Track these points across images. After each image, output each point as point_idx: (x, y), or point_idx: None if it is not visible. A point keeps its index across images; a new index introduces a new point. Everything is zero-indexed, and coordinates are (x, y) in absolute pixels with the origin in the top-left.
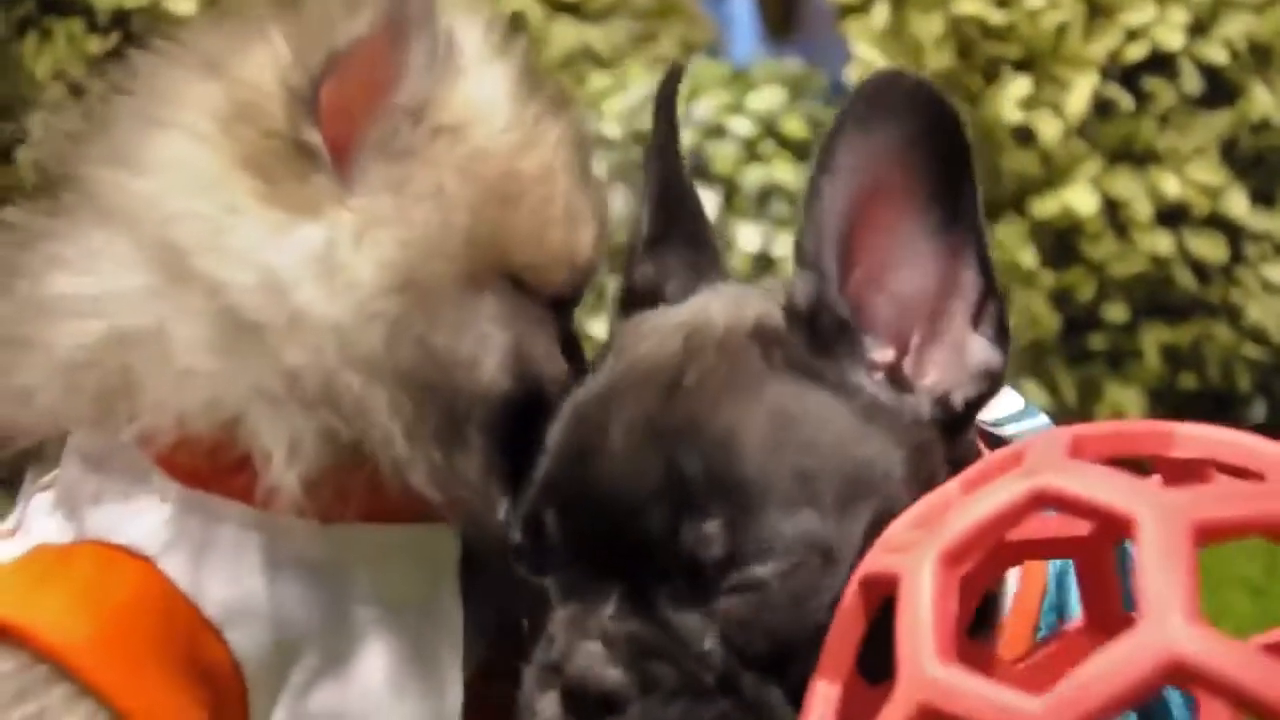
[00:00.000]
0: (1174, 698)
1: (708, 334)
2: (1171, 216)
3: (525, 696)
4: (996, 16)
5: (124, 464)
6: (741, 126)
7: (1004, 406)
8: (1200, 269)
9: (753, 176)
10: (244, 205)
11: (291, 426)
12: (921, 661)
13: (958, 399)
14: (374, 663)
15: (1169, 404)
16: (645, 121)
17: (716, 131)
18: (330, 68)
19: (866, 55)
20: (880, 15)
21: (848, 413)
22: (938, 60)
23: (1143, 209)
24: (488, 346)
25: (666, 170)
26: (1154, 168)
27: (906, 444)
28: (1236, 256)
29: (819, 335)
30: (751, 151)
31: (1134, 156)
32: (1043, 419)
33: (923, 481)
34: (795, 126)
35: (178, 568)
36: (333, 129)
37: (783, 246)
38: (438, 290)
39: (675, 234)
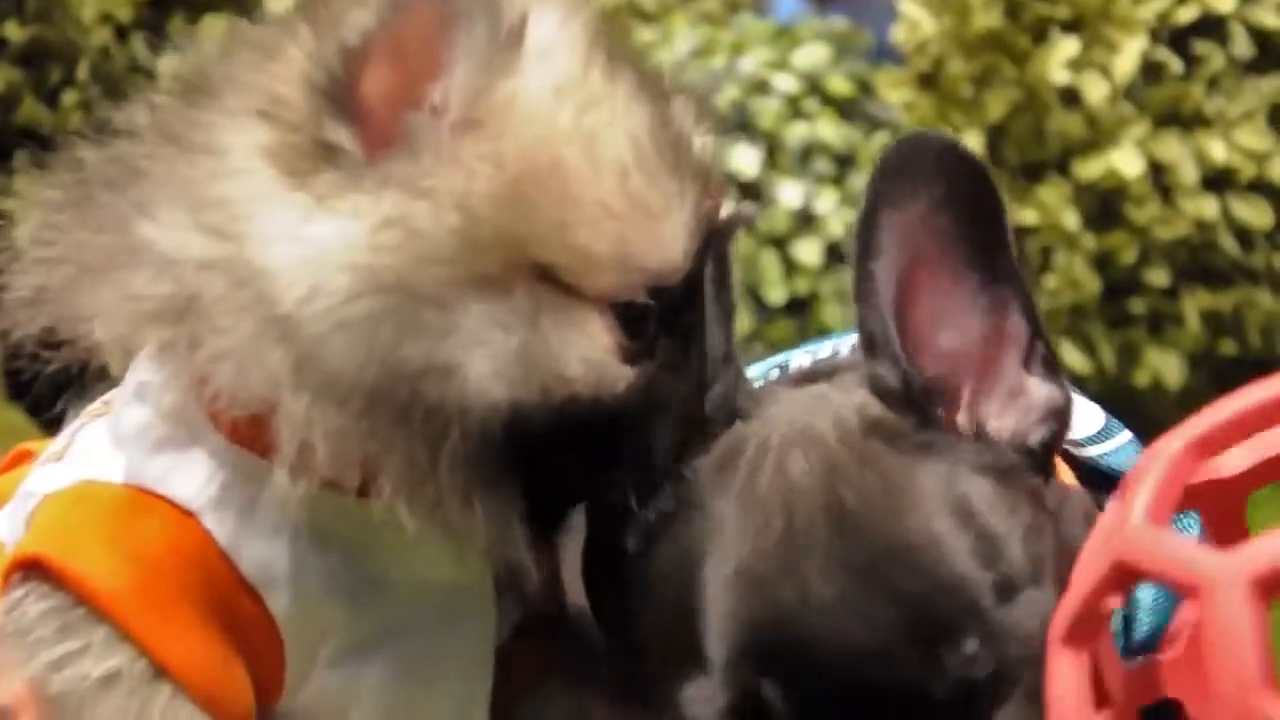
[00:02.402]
0: (1144, 595)
1: (826, 446)
2: (1217, 181)
3: None
4: None
5: (179, 411)
6: (785, 83)
7: (1084, 427)
8: (1244, 235)
9: (796, 133)
10: (274, 194)
11: (306, 425)
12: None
13: (1034, 442)
14: (400, 645)
15: (1209, 370)
16: (690, 76)
17: (760, 87)
18: (349, 63)
19: (912, 14)
20: None
21: (990, 479)
22: (985, 20)
23: (1188, 173)
24: (476, 352)
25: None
26: (1201, 132)
27: (1031, 495)
28: None
29: (920, 412)
30: (795, 108)
31: (1181, 120)
32: (1125, 436)
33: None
34: (839, 84)
35: (219, 525)
36: (375, 120)
37: (824, 203)
38: (423, 295)
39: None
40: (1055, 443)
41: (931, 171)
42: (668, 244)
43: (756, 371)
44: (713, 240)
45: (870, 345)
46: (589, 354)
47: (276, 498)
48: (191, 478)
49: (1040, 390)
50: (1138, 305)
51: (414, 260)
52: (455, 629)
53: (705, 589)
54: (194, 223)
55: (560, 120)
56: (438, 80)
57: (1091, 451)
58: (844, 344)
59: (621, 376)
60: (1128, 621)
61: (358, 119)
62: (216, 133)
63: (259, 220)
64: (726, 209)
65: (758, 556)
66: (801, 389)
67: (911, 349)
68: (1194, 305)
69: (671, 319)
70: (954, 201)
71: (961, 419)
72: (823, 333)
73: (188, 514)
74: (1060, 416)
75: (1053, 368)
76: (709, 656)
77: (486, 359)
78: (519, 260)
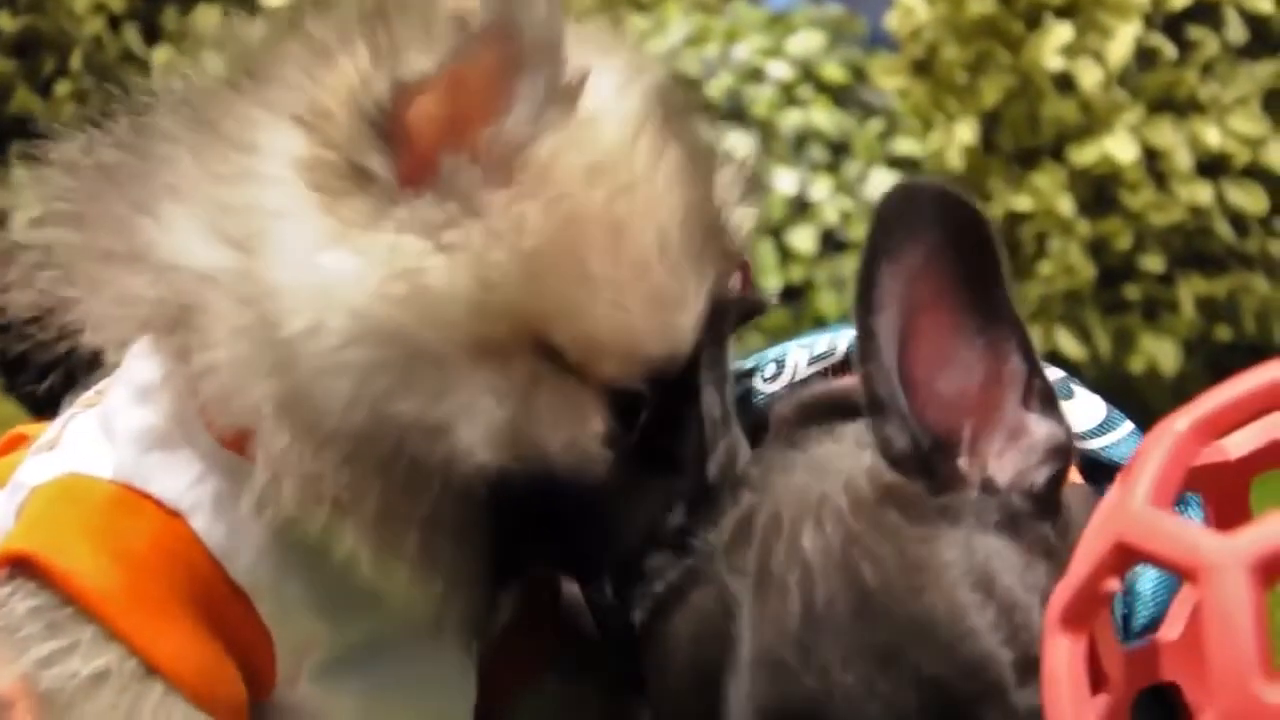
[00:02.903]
0: (1144, 588)
1: (840, 519)
2: (1211, 167)
3: None
4: None
5: (170, 410)
6: (780, 70)
7: (1086, 419)
8: (1238, 220)
9: (790, 120)
10: (299, 211)
11: (280, 462)
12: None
13: (1038, 482)
14: (383, 659)
15: (1204, 356)
16: (684, 64)
17: (754, 75)
18: (400, 96)
19: (907, 0)
20: None
21: (1004, 538)
22: (979, 6)
23: (1182, 159)
24: (468, 416)
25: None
26: (1195, 117)
27: (1043, 547)
28: (1276, 208)
29: (929, 472)
30: (789, 95)
31: (1175, 106)
32: (1128, 427)
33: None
34: (834, 71)
35: (206, 527)
36: (415, 155)
37: (819, 191)
38: (423, 352)
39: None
40: (1059, 481)
41: (927, 219)
42: (677, 335)
43: (751, 364)
44: (715, 316)
45: (877, 407)
46: (576, 437)
47: (257, 512)
48: (180, 478)
49: (1041, 428)
50: (1133, 291)
51: (419, 317)
52: (438, 643)
53: (724, 673)
54: (208, 226)
55: (593, 201)
56: (486, 126)
57: (1093, 444)
58: (840, 339)
59: (604, 460)
60: (1127, 617)
61: (398, 150)
62: (252, 128)
63: (278, 235)
64: (736, 285)
65: (777, 641)
66: (803, 448)
67: (916, 404)
68: (1189, 291)
69: (663, 394)
70: (951, 246)
71: (965, 465)
72: (818, 320)
73: (174, 514)
74: (1063, 454)
75: (1052, 403)
76: None
77: (478, 425)
78: (524, 333)
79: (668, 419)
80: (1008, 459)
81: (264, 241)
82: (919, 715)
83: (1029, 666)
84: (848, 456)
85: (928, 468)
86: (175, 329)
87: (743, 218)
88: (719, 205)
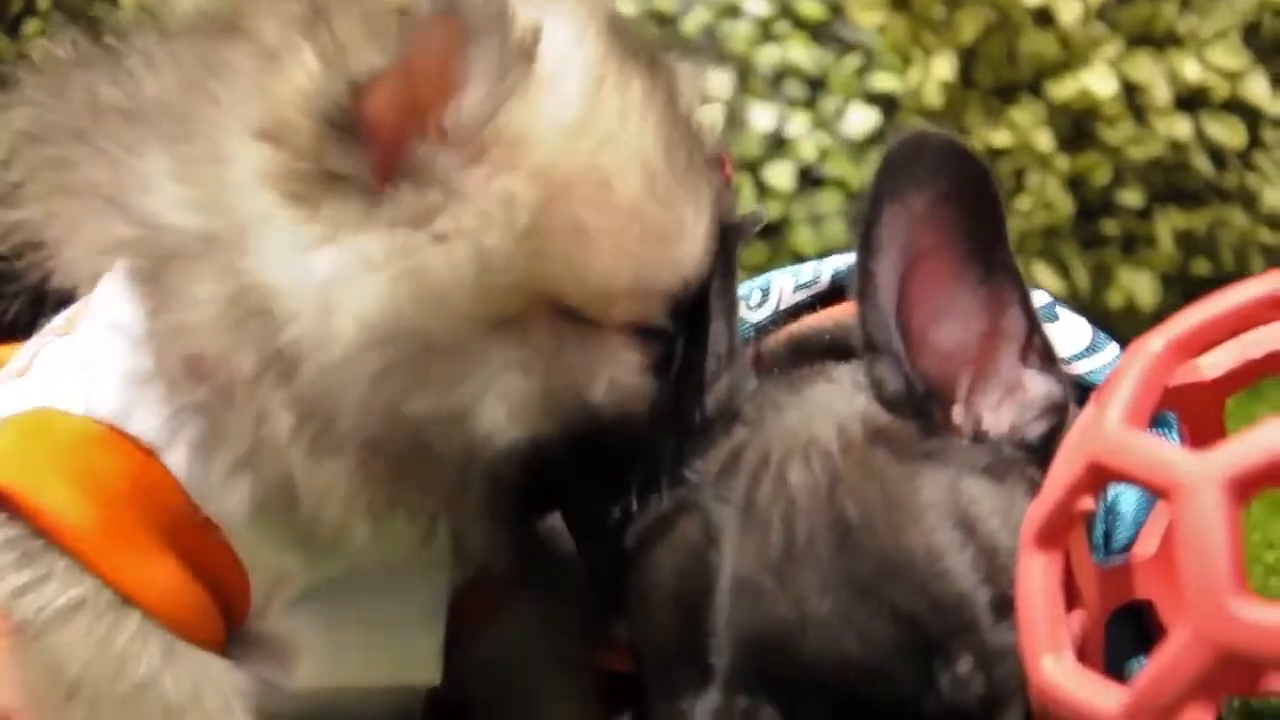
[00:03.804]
0: (1125, 508)
1: (829, 457)
2: (1190, 101)
3: None
4: None
5: (147, 350)
6: (756, 6)
7: (1072, 343)
8: (1217, 154)
9: (767, 56)
10: (273, 215)
11: (288, 455)
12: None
13: (1032, 436)
14: (352, 597)
15: (1182, 290)
16: (661, 1)
17: (731, 10)
18: (358, 95)
19: None
20: None
21: (991, 481)
22: None
23: (1161, 93)
24: (490, 397)
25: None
26: (1174, 51)
27: (1030, 490)
28: (1255, 142)
29: (921, 415)
30: (766, 31)
31: (1154, 39)
32: (1113, 350)
33: None
34: (811, 7)
35: (178, 465)
36: (384, 147)
37: (796, 127)
38: (436, 343)
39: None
40: (1055, 435)
41: (933, 168)
42: (685, 260)
43: (739, 292)
44: (724, 236)
45: (872, 346)
46: (616, 377)
47: (232, 473)
48: (154, 416)
49: (1038, 384)
50: (1111, 226)
51: (428, 310)
52: (409, 582)
53: (705, 600)
54: (188, 198)
55: (575, 162)
56: (447, 105)
57: (1080, 368)
58: (825, 267)
59: (649, 388)
60: (1108, 535)
61: (367, 147)
62: (220, 136)
63: (261, 233)
64: (738, 205)
65: (756, 569)
66: (799, 390)
67: (912, 348)
68: (1167, 225)
69: (684, 319)
70: (955, 197)
71: (959, 416)
72: (796, 256)
73: (148, 450)
74: (1059, 410)
75: (1051, 360)
76: (711, 669)
77: (502, 403)
78: (536, 301)
79: (696, 343)
80: (1003, 412)
81: (246, 235)
82: (893, 648)
83: (1006, 606)
84: (842, 399)
85: (918, 410)
86: (150, 280)
87: (709, 115)
88: (687, 115)
